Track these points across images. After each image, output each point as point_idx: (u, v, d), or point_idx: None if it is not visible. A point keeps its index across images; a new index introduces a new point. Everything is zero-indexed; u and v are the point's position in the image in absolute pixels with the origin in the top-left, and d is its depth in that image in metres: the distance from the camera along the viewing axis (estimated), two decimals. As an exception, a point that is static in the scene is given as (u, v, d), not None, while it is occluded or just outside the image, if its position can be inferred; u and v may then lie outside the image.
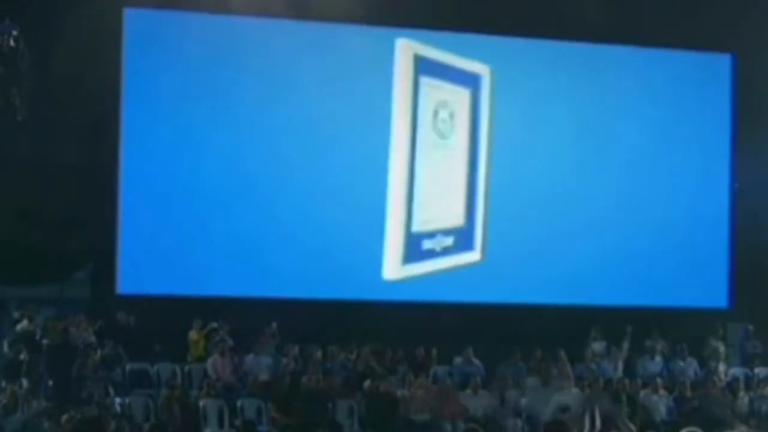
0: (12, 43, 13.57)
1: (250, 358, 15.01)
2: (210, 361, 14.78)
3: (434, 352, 15.92)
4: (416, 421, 14.11)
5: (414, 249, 16.19)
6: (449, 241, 16.57)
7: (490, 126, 16.87)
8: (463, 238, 16.71)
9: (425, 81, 16.08)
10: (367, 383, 14.56)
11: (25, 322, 14.48)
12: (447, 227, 16.58)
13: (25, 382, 13.64)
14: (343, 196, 16.09)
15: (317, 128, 16.12)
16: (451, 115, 16.57)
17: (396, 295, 16.09)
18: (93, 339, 14.42)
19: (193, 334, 15.23)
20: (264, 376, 14.73)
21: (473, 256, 16.80)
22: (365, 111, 16.19)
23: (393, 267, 16.09)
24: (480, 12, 16.15)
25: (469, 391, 14.77)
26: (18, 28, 13.50)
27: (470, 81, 16.67)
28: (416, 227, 16.23)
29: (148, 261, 15.57)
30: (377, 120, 16.06)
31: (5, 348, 14.39)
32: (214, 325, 15.16)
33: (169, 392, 13.94)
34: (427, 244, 16.31)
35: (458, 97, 16.62)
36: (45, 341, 14.16)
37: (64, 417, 11.85)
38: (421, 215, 16.23)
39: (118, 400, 13.77)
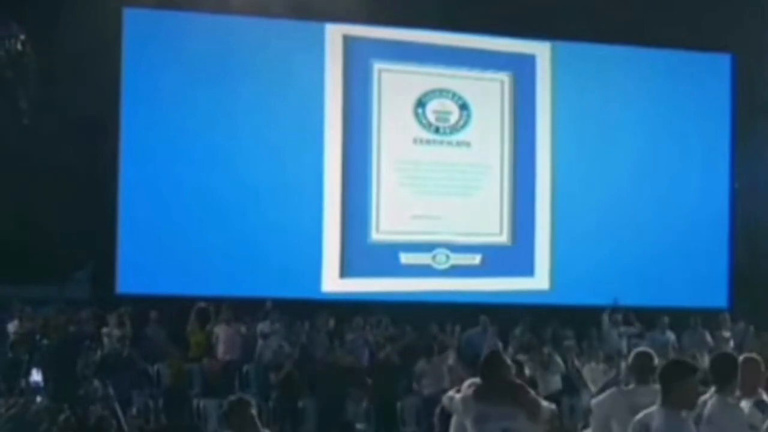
0: (19, 47, 13.58)
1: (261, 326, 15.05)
2: (215, 330, 14.85)
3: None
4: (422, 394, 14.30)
5: (375, 261, 16.26)
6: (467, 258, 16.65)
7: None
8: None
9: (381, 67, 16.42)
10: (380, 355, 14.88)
11: (25, 322, 14.48)
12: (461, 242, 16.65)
13: (25, 382, 13.63)
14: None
15: (315, 127, 16.25)
16: (464, 107, 16.67)
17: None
18: (93, 339, 14.42)
19: (195, 333, 15.26)
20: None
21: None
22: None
23: (329, 279, 16.19)
24: (480, 12, 16.17)
25: None
26: (24, 32, 13.49)
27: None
28: (378, 236, 16.35)
29: (148, 261, 15.58)
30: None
31: (5, 348, 14.39)
32: (202, 304, 15.12)
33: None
34: (409, 259, 16.39)
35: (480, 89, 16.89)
36: (45, 341, 14.16)
37: (63, 417, 11.86)
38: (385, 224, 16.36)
39: (117, 399, 13.76)
